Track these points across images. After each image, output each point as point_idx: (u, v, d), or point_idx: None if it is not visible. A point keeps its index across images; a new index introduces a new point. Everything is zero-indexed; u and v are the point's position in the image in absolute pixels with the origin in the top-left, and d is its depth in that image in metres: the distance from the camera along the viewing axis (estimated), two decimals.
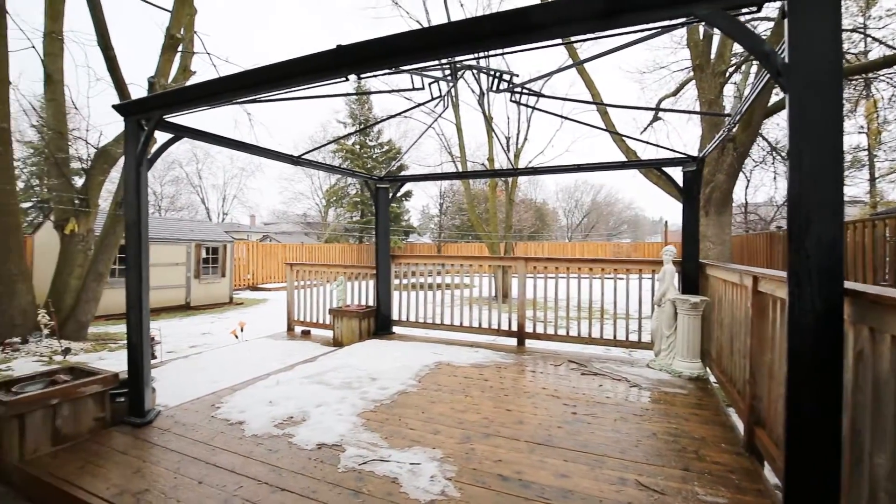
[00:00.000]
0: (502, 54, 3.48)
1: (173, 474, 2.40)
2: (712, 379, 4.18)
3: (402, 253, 14.16)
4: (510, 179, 14.74)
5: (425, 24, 14.54)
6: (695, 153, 4.69)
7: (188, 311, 11.58)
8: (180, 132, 3.30)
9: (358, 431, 2.92)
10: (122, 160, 7.70)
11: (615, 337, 5.21)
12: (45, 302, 6.93)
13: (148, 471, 2.45)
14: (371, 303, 6.42)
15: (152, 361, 5.46)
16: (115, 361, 6.10)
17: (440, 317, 6.20)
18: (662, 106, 12.72)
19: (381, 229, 6.16)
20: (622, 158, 10.24)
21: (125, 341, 7.47)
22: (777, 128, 14.35)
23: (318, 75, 2.19)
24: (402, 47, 2.12)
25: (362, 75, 2.20)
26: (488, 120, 14.11)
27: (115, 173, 8.78)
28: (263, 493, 2.20)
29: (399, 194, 28.98)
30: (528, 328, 5.65)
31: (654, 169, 7.28)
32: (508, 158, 11.25)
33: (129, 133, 3.07)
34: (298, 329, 6.97)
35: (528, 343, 5.64)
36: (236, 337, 6.44)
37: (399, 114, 5.62)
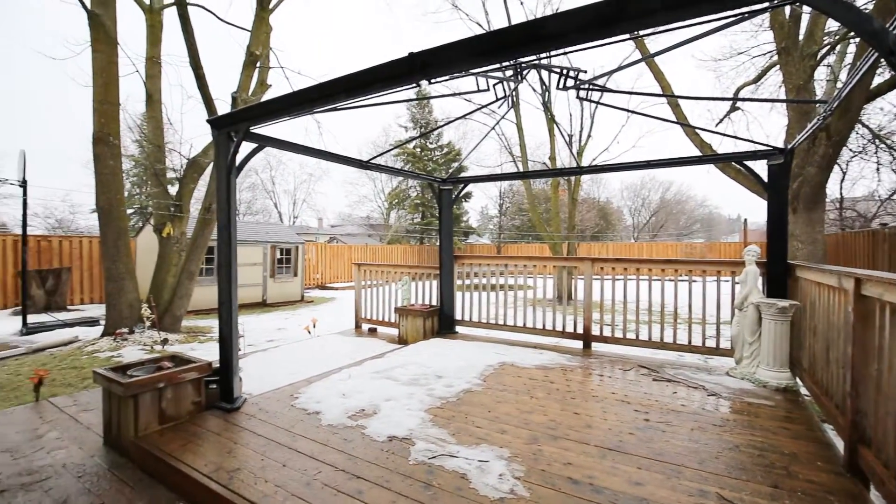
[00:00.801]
0: (565, 53, 3.43)
1: (260, 456, 2.61)
2: (803, 390, 3.83)
3: (462, 253, 14.29)
4: (573, 178, 14.37)
5: (485, 25, 14.57)
6: (779, 145, 4.32)
7: (264, 308, 12.44)
8: (264, 142, 3.58)
9: (426, 426, 3.00)
10: (209, 169, 8.46)
11: (690, 342, 4.93)
12: (147, 297, 7.76)
13: (239, 452, 2.68)
14: (434, 302, 6.54)
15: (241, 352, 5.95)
16: (204, 352, 6.70)
17: (503, 317, 6.19)
18: (741, 95, 11.80)
19: (444, 230, 6.26)
20: (696, 153, 9.64)
21: (212, 334, 8.19)
22: (881, 113, 12.77)
23: (392, 82, 2.29)
24: (473, 50, 2.16)
25: (433, 80, 2.27)
26: (550, 118, 13.85)
27: (202, 181, 9.65)
28: (341, 479, 2.34)
29: (459, 195, 29.37)
30: (595, 331, 5.49)
31: (733, 163, 6.79)
32: (573, 154, 10.97)
33: (220, 144, 3.38)
34: (365, 326, 7.26)
35: (595, 346, 5.49)
36: (309, 333, 6.83)
37: (462, 117, 5.69)
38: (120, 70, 7.69)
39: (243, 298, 12.44)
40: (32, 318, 8.53)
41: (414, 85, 2.30)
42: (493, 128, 5.66)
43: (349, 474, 2.39)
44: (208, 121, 3.38)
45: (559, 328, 5.73)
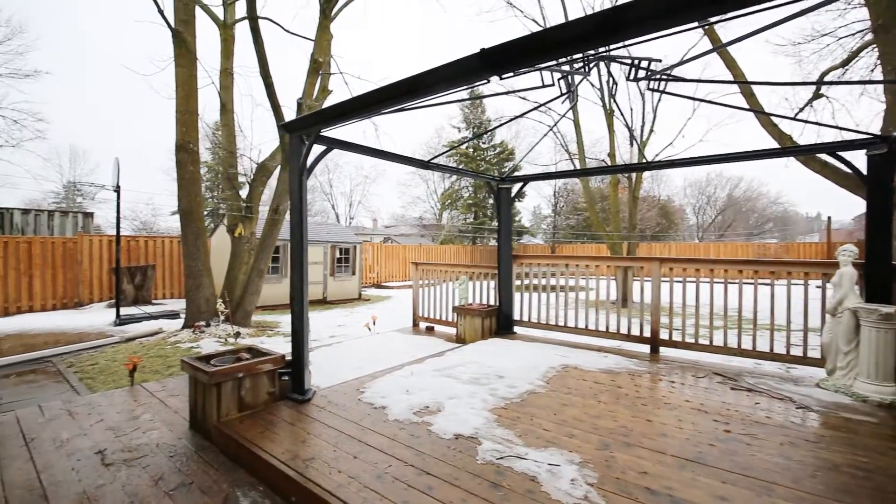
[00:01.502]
0: (628, 45, 3.26)
1: (333, 448, 2.70)
2: None
3: (520, 253, 14.06)
4: (633, 175, 13.78)
5: (540, 21, 14.29)
6: (873, 133, 3.88)
7: (325, 305, 12.94)
8: (332, 144, 3.71)
9: (492, 426, 2.98)
10: (276, 172, 8.92)
11: (772, 350, 4.55)
12: (221, 293, 8.31)
13: (312, 442, 2.79)
14: (492, 302, 6.50)
15: None
16: (272, 345, 7.07)
17: (563, 319, 6.03)
18: (827, 80, 10.77)
19: (503, 229, 6.21)
20: (773, 145, 8.91)
21: (279, 329, 8.63)
22: None
23: (462, 80, 2.29)
24: (545, 43, 2.11)
25: (504, 76, 2.24)
26: (609, 113, 13.37)
27: (270, 184, 10.19)
28: (410, 474, 2.37)
29: (512, 195, 28.91)
30: (663, 335, 5.22)
31: (820, 156, 6.20)
32: (640, 150, 10.51)
33: (293, 147, 3.54)
34: (423, 325, 7.34)
35: (663, 351, 5.21)
36: (369, 329, 7.02)
37: (522, 114, 5.59)
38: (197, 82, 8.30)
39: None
40: (124, 311, 9.41)
41: (484, 81, 2.29)
42: (555, 123, 5.53)
43: (418, 470, 2.41)
44: (281, 125, 3.55)
45: (624, 331, 5.49)
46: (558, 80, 3.71)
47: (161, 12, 7.57)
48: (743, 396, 3.68)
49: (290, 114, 8.48)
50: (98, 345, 7.13)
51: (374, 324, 7.07)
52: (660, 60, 3.13)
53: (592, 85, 13.93)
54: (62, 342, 7.47)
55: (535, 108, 5.14)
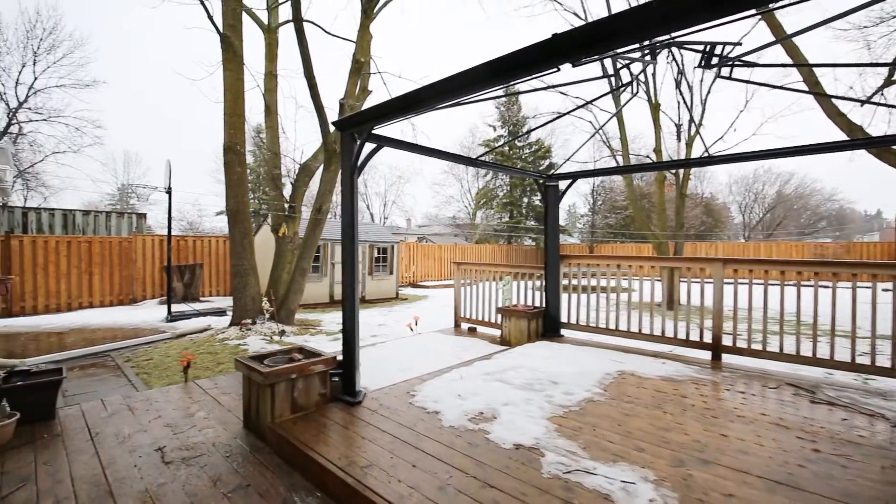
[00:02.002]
0: (700, 30, 3.02)
1: (389, 454, 2.61)
2: None
3: (569, 253, 13.67)
4: (681, 172, 13.18)
5: (581, 15, 13.88)
6: None
7: (364, 304, 13.04)
8: (382, 142, 3.64)
9: (552, 436, 2.82)
10: (318, 172, 9.02)
11: (853, 360, 4.16)
12: (266, 291, 8.48)
13: (368, 447, 2.72)
14: (537, 303, 6.31)
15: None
16: (316, 344, 7.14)
17: (612, 322, 5.76)
18: None
19: (550, 228, 6.00)
20: (839, 137, 8.27)
21: (321, 327, 8.72)
22: None
23: (530, 69, 2.15)
24: (618, 28, 1.94)
25: (576, 63, 2.08)
26: (655, 108, 12.84)
27: (312, 185, 10.34)
28: (474, 487, 2.25)
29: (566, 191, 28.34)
30: (726, 341, 4.89)
31: None
32: (688, 142, 10.02)
33: (345, 145, 3.49)
34: (465, 325, 7.22)
35: (725, 358, 4.88)
36: (411, 329, 6.96)
37: (575, 109, 5.36)
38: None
39: None
40: (174, 308, 9.77)
41: (555, 69, 2.14)
42: (614, 115, 5.30)
43: (481, 482, 2.29)
44: (334, 123, 3.52)
45: (681, 336, 5.18)
46: (618, 69, 3.50)
47: (210, 17, 7.78)
48: (824, 411, 3.36)
49: (331, 115, 8.54)
50: (152, 340, 7.40)
51: (416, 324, 7.01)
52: (739, 44, 2.88)
53: (637, 79, 13.37)
54: (119, 337, 7.81)
55: (596, 100, 4.91)
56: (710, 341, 4.95)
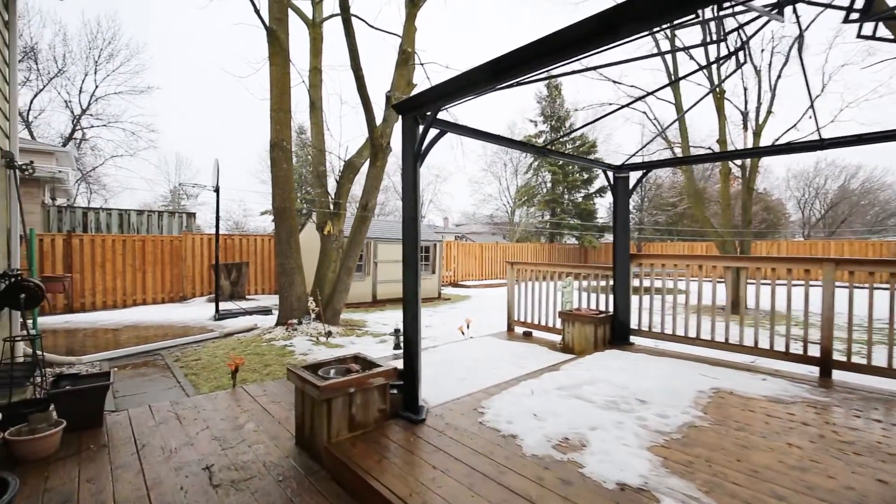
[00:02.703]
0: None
1: (468, 490, 2.20)
2: None
3: (643, 252, 12.82)
4: (748, 164, 12.12)
5: None
6: None
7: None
8: (446, 127, 3.23)
9: (661, 474, 2.32)
10: (364, 168, 8.77)
11: None
12: (312, 291, 8.30)
13: (442, 481, 2.31)
14: (600, 307, 5.75)
15: (393, 352, 5.87)
16: (362, 346, 6.86)
17: (693, 329, 5.13)
18: None
19: (619, 223, 5.43)
20: None
21: (366, 328, 8.46)
22: None
23: (616, 32, 1.66)
24: None
25: (674, 26, 1.58)
26: (719, 95, 11.85)
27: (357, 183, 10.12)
28: None
29: (593, 190, 27.05)
30: (836, 355, 4.18)
31: None
32: (756, 131, 9.11)
33: (406, 131, 3.11)
34: (519, 329, 6.75)
35: (837, 375, 4.17)
36: (462, 333, 6.56)
37: (668, 85, 4.78)
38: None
39: (388, 294, 12.94)
40: (222, 306, 9.80)
41: (648, 31, 1.65)
42: (712, 90, 4.64)
43: None
44: (394, 106, 3.14)
45: (779, 348, 4.50)
46: (727, 33, 2.93)
47: (257, 11, 7.66)
48: None
49: (378, 110, 8.23)
50: (200, 339, 7.35)
51: (467, 327, 6.60)
52: None
53: (698, 63, 12.45)
54: (169, 335, 7.84)
55: (690, 76, 4.32)
56: (817, 355, 4.26)
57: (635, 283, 5.67)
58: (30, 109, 24.79)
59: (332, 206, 8.82)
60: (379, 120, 7.90)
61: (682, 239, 24.23)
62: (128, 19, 31.22)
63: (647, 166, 5.41)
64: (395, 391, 3.26)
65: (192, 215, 15.32)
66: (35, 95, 24.76)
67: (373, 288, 12.74)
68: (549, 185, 27.76)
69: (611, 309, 5.60)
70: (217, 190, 9.32)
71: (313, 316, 7.77)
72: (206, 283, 12.52)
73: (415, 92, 8.70)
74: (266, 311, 9.90)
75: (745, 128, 12.03)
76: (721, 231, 11.80)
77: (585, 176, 26.79)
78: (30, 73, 24.54)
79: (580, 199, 27.20)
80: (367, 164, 8.27)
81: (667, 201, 25.44)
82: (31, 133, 24.08)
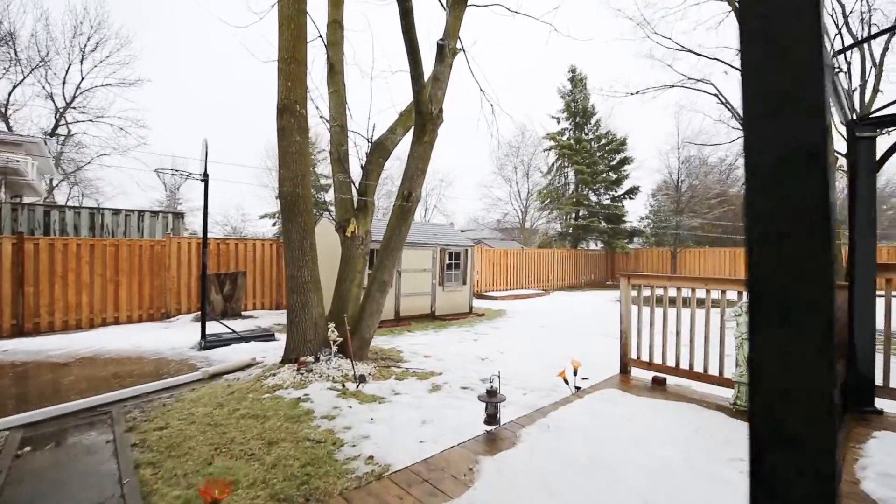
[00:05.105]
0: None
1: None
2: None
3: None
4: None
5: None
6: None
7: (436, 322, 10.55)
8: None
9: None
10: (398, 151, 6.59)
11: None
12: (331, 312, 6.11)
13: None
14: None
15: (490, 429, 3.56)
16: (411, 398, 4.66)
17: None
18: None
19: (860, 211, 3.27)
20: None
21: (404, 362, 6.22)
22: None
23: None
24: None
25: None
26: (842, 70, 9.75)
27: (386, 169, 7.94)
28: None
29: (622, 192, 24.71)
30: None
31: None
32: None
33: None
34: (639, 372, 4.60)
35: None
36: (566, 382, 4.37)
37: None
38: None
39: (414, 310, 10.73)
40: (210, 328, 7.58)
41: None
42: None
43: None
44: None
45: None
46: None
47: None
48: None
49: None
50: (174, 384, 5.15)
51: (574, 374, 4.41)
52: None
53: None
54: (135, 374, 5.64)
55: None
56: None
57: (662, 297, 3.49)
58: (8, 102, 22.67)
59: (354, 199, 6.65)
60: (427, 76, 5.75)
61: (716, 245, 22.06)
62: (119, 4, 29.07)
63: None
64: None
65: (179, 216, 13.14)
66: (14, 87, 22.66)
67: (395, 302, 10.48)
68: (574, 184, 25.63)
69: (850, 353, 3.41)
70: (205, 178, 7.15)
71: (335, 349, 5.57)
72: (193, 296, 10.30)
73: (458, 59, 6.55)
74: (268, 336, 7.70)
75: (851, 109, 9.95)
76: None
77: (614, 176, 24.66)
78: (10, 63, 22.46)
79: (607, 201, 25.07)
80: (411, 139, 6.07)
81: (709, 203, 23.30)
82: (8, 127, 21.94)
